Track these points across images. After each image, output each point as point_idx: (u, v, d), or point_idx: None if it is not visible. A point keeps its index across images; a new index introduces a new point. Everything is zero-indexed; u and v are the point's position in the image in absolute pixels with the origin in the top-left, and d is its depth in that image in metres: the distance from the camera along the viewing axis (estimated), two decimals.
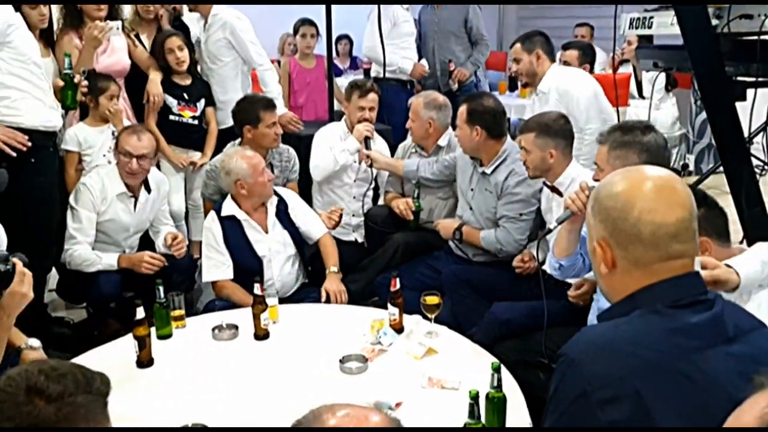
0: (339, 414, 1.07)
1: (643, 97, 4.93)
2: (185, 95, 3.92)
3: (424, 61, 5.28)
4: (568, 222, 2.29)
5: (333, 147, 3.74)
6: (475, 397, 1.84)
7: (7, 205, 2.87)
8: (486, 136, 3.15)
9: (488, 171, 3.20)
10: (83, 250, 3.20)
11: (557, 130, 2.78)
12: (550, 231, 2.48)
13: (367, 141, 3.66)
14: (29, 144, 3.01)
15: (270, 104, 3.58)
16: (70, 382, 1.17)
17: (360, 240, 3.87)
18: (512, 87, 6.11)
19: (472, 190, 3.30)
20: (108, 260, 3.20)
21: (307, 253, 3.33)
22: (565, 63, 4.50)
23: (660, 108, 5.07)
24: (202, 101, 3.99)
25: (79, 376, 1.20)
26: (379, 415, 1.09)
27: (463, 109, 3.20)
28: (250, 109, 3.53)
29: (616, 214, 1.27)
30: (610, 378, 1.15)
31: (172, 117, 3.89)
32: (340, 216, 3.54)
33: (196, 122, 3.96)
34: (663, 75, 4.71)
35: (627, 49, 5.11)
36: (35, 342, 2.10)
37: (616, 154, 2.30)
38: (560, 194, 2.78)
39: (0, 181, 2.56)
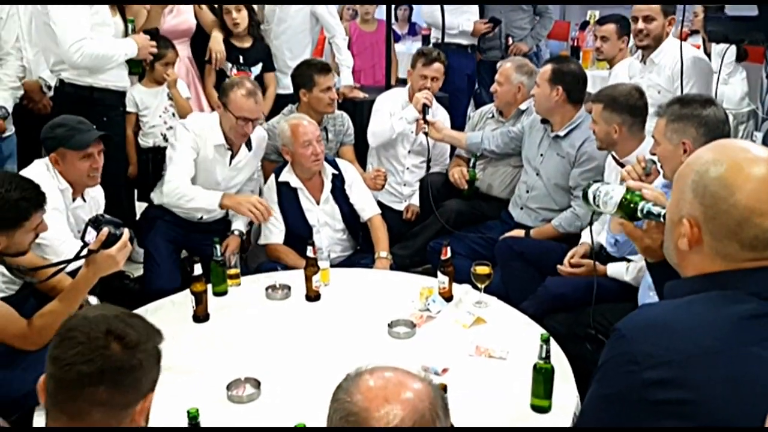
0: (378, 375, 1.09)
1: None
2: (241, 58, 3.91)
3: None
4: None
5: (393, 113, 3.72)
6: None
7: None
8: (565, 99, 3.14)
9: (561, 134, 3.17)
10: (180, 183, 3.06)
11: (625, 105, 2.73)
12: None
13: (425, 109, 3.58)
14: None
15: (325, 68, 3.55)
16: (143, 330, 1.25)
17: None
18: (574, 57, 5.95)
19: (541, 155, 3.26)
20: (208, 199, 3.04)
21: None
22: (603, 38, 4.32)
23: (728, 83, 4.87)
24: (259, 66, 3.97)
25: (147, 325, 1.28)
26: (421, 382, 1.09)
27: (547, 68, 3.17)
28: (306, 72, 3.53)
29: (722, 205, 1.15)
30: (659, 359, 1.12)
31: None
32: (385, 178, 3.55)
33: None
34: (734, 48, 4.50)
35: (694, 20, 4.90)
36: (93, 299, 2.21)
37: (673, 127, 2.24)
38: None
39: (89, 140, 2.60)
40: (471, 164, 3.56)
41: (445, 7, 4.74)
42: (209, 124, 3.17)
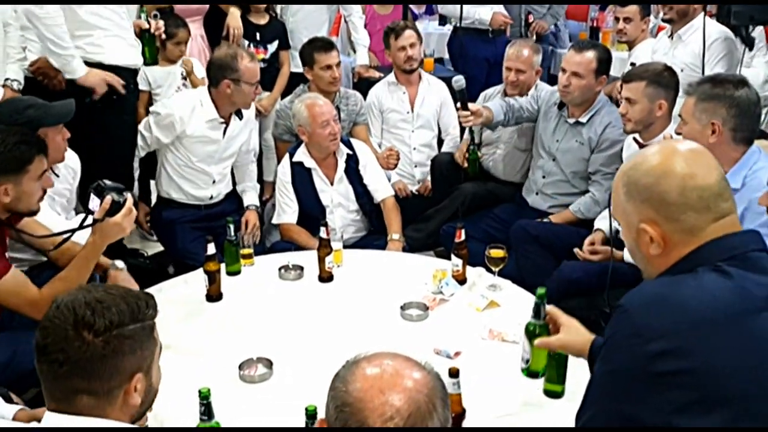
0: (375, 363, 1.07)
1: None
2: (257, 35, 3.90)
3: (501, 8, 5.07)
4: None
5: (385, 109, 3.77)
6: (541, 296, 1.84)
7: (88, 141, 2.94)
8: (602, 84, 3.14)
9: (583, 120, 3.12)
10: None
11: (669, 81, 2.69)
12: None
13: (463, 96, 3.13)
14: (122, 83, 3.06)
15: (325, 46, 3.51)
16: (115, 315, 1.21)
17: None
18: (593, 38, 5.86)
19: (557, 141, 3.21)
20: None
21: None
22: (626, 19, 4.25)
23: (751, 66, 4.77)
24: (275, 43, 3.96)
25: (124, 306, 1.23)
26: (420, 371, 1.07)
27: (591, 57, 3.03)
28: (307, 50, 3.53)
29: (659, 189, 1.25)
30: (662, 331, 1.15)
31: None
32: (398, 157, 3.51)
33: (264, 65, 3.92)
34: (759, 29, 4.41)
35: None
36: (120, 263, 2.23)
37: (703, 106, 2.18)
38: None
39: (68, 110, 2.56)
40: (470, 142, 3.49)
41: None
42: (197, 102, 3.14)
